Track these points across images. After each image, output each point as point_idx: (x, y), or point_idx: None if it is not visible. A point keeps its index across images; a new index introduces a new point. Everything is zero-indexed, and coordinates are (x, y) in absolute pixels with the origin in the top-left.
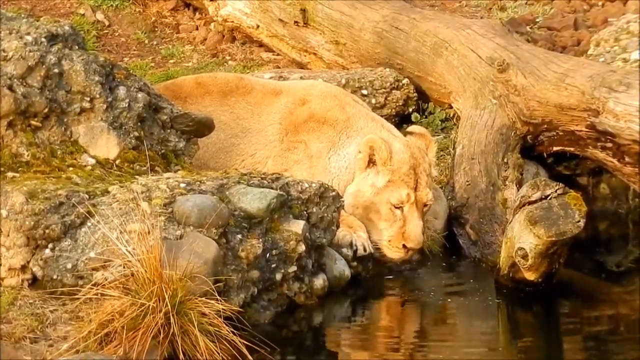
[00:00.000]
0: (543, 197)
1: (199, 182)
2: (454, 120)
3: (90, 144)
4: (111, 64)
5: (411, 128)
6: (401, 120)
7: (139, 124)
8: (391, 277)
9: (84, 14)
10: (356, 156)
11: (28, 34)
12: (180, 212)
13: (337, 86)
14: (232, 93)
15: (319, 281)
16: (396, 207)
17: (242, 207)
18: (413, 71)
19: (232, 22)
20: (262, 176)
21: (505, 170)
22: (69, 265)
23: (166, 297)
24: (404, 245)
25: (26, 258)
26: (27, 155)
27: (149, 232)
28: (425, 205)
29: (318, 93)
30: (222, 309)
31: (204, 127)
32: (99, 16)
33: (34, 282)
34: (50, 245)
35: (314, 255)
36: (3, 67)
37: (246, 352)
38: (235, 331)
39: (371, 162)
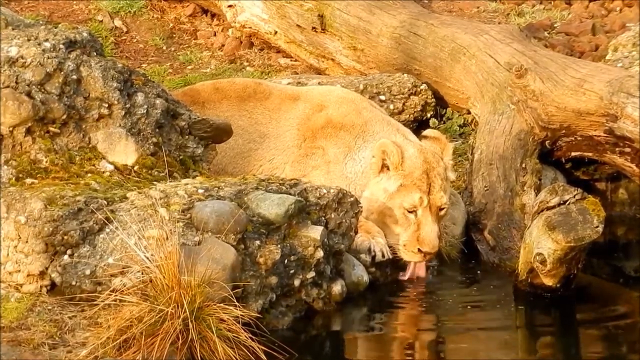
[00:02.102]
0: (561, 202)
1: (217, 188)
2: (472, 125)
3: (109, 150)
4: (129, 70)
5: (426, 132)
6: (419, 126)
7: (157, 130)
8: (409, 283)
9: (102, 21)
10: (370, 161)
11: (46, 40)
12: (198, 218)
13: (354, 91)
14: (250, 98)
15: (337, 287)
16: (409, 212)
17: (261, 213)
18: (431, 77)
19: (250, 28)
20: (281, 182)
21: (524, 176)
22: (88, 272)
23: (184, 303)
24: (419, 250)
25: (45, 264)
26: (46, 162)
27: (167, 238)
28: (440, 209)
29: (335, 98)
30: (241, 314)
31: (222, 132)
32: (117, 22)
33: (53, 288)
34: (68, 252)
35: (332, 261)
36: (21, 73)
37: (264, 358)
38: (253, 337)
39: (384, 167)
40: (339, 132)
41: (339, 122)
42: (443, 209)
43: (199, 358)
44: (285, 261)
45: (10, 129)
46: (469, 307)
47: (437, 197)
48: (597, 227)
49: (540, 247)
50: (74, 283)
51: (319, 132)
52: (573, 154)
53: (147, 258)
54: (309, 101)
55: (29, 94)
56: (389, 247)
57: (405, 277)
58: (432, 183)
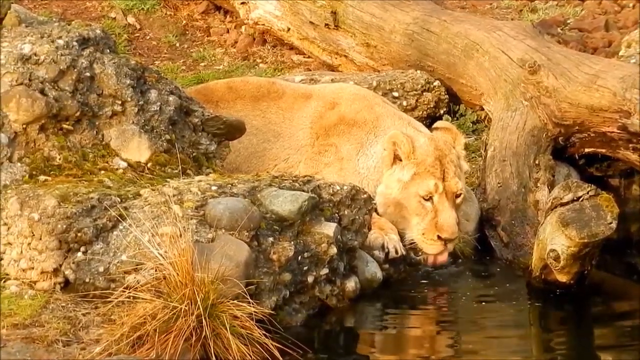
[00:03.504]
0: (575, 198)
1: (230, 185)
2: (485, 122)
3: (122, 147)
4: (142, 67)
5: (437, 124)
6: (432, 122)
7: (170, 127)
8: (423, 279)
9: (115, 18)
10: (382, 154)
11: (60, 37)
12: (211, 215)
13: (366, 88)
14: (264, 98)
15: (351, 284)
16: (425, 200)
17: (274, 210)
18: (444, 73)
19: (263, 25)
20: (294, 179)
21: (537, 172)
22: (101, 269)
23: (198, 300)
24: (439, 237)
25: (58, 261)
26: (59, 159)
27: (180, 235)
28: (456, 195)
29: (347, 95)
30: (254, 311)
31: (235, 130)
32: (130, 20)
33: (66, 285)
34: (82, 249)
35: (345, 258)
36: (35, 70)
37: (278, 355)
38: (267, 334)
39: (396, 158)
40: (352, 128)
41: (352, 118)
42: (459, 195)
43: (213, 355)
44: (299, 258)
45: (24, 126)
46: (483, 303)
47: (452, 183)
48: (611, 223)
49: (554, 243)
50: (87, 280)
51: (331, 130)
52: (586, 150)
53: (161, 255)
54: (322, 99)
55: (42, 91)
56: (409, 242)
57: (429, 263)
58: (445, 169)
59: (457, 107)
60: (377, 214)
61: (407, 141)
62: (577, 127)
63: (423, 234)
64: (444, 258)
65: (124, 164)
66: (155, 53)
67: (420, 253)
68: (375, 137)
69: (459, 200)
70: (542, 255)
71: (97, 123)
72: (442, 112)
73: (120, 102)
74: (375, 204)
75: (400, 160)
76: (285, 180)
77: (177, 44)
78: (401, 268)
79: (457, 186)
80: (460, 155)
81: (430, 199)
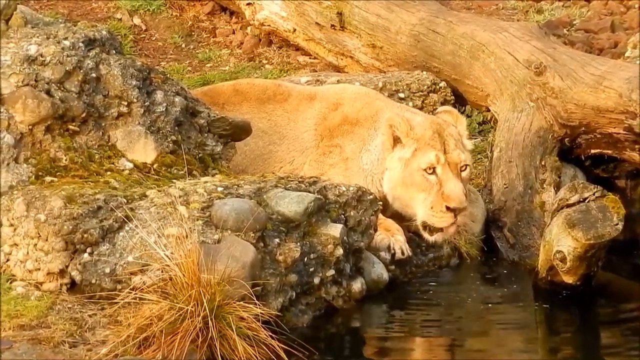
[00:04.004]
0: (581, 200)
1: (236, 186)
2: (491, 123)
3: (128, 148)
4: (148, 68)
5: (439, 108)
6: None
7: (176, 128)
8: (429, 280)
9: (121, 19)
10: (381, 140)
11: (65, 38)
12: (217, 216)
13: (367, 88)
14: (270, 100)
15: (357, 285)
16: (429, 173)
17: (280, 211)
18: (450, 74)
19: (269, 25)
20: (300, 180)
21: (543, 173)
22: (107, 270)
23: (204, 301)
24: (447, 208)
25: (64, 262)
26: (65, 160)
27: (186, 236)
28: (461, 168)
29: (350, 95)
30: (260, 312)
31: (241, 130)
32: (136, 20)
33: (73, 286)
34: (88, 250)
35: (351, 259)
36: (41, 71)
37: (284, 356)
38: (273, 335)
39: (396, 141)
40: (355, 127)
41: (354, 118)
42: (464, 167)
43: (219, 356)
44: (305, 259)
45: (30, 127)
46: (489, 305)
47: (454, 155)
48: (617, 224)
49: (560, 244)
50: (93, 281)
51: (335, 131)
52: (592, 151)
53: (167, 256)
54: (325, 100)
55: (48, 92)
56: (421, 223)
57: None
58: (446, 142)
59: (463, 108)
60: (384, 212)
61: (402, 121)
62: (583, 128)
63: (431, 207)
64: (454, 230)
65: (130, 165)
66: (161, 54)
67: (434, 233)
68: (375, 131)
69: (464, 173)
70: (548, 256)
71: (103, 124)
72: None
73: (126, 103)
74: (380, 204)
75: (400, 141)
76: (291, 181)
77: (183, 45)
78: (407, 269)
79: (460, 157)
80: (462, 133)
81: (433, 172)
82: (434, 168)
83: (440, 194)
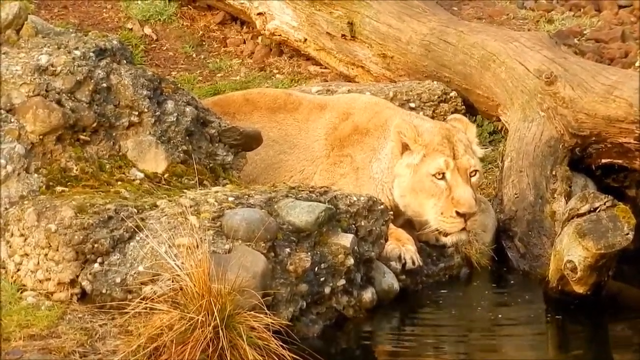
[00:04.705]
0: (592, 209)
1: (247, 196)
2: (502, 132)
3: (139, 158)
4: (159, 78)
5: (449, 117)
6: None
7: (187, 137)
8: (440, 290)
9: (131, 29)
10: (390, 147)
11: (76, 48)
12: (228, 225)
13: (378, 97)
14: (281, 109)
15: (368, 294)
16: (438, 179)
17: (291, 221)
18: (461, 84)
19: (280, 35)
20: (310, 189)
21: (554, 183)
22: (118, 280)
23: (215, 311)
24: (457, 213)
25: (75, 272)
26: (76, 170)
27: (197, 246)
28: (471, 174)
29: (360, 105)
30: (271, 322)
31: (252, 140)
32: (147, 30)
33: (83, 296)
34: (99, 260)
35: (362, 269)
36: (52, 81)
37: None
38: (284, 345)
39: (405, 148)
40: (365, 137)
41: (364, 127)
42: (474, 173)
43: None
44: (316, 269)
45: (41, 137)
46: (500, 316)
47: (463, 160)
48: (628, 234)
49: (571, 254)
50: (104, 291)
51: (346, 140)
52: (603, 161)
53: (178, 266)
54: (335, 110)
55: (59, 102)
56: (432, 230)
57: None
58: (455, 147)
59: (474, 117)
60: (395, 222)
61: (410, 127)
62: (593, 138)
63: (442, 213)
64: (465, 236)
65: (141, 175)
66: (172, 64)
67: (442, 239)
68: (385, 140)
69: (474, 179)
70: (559, 266)
71: (113, 134)
72: None
73: (137, 113)
74: (391, 214)
75: (409, 148)
76: (302, 191)
77: (194, 55)
78: (418, 279)
79: (470, 162)
80: (472, 140)
81: (443, 177)
82: (443, 173)
83: (450, 200)
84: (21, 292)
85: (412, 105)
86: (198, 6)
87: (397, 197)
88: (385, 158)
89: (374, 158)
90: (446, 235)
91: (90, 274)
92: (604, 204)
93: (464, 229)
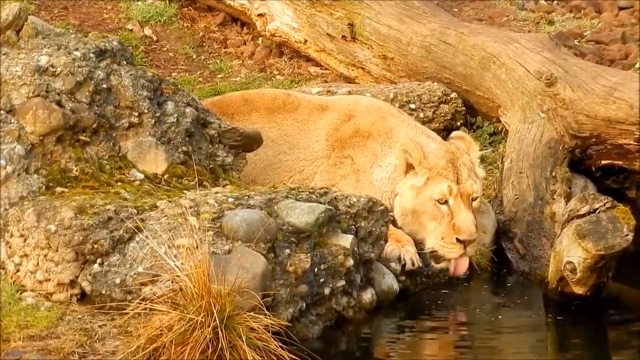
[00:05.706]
0: (591, 210)
1: (247, 197)
2: (502, 134)
3: (139, 159)
4: (159, 79)
5: (452, 134)
6: (449, 135)
7: (187, 138)
8: (440, 291)
9: (132, 30)
10: (394, 164)
11: (76, 49)
12: (228, 226)
13: (381, 100)
14: (280, 110)
15: (368, 295)
16: (441, 203)
17: (290, 222)
18: (461, 85)
19: (280, 36)
20: (310, 190)
21: (554, 184)
22: (118, 280)
23: (214, 311)
24: (457, 240)
25: (75, 273)
26: (76, 171)
27: (197, 247)
28: (473, 199)
29: (362, 107)
30: (271, 323)
31: (252, 141)
32: (147, 31)
33: (83, 297)
34: (98, 260)
35: (362, 270)
36: (52, 82)
37: None
38: (283, 346)
39: (409, 167)
40: (367, 141)
41: (367, 130)
42: (475, 198)
43: None
44: (316, 270)
45: (41, 137)
46: (500, 317)
47: (466, 185)
48: (627, 235)
49: (571, 255)
50: (104, 292)
51: (347, 142)
52: (603, 162)
53: (177, 267)
54: (337, 111)
55: (59, 103)
56: (430, 251)
57: (450, 272)
58: (459, 172)
59: (474, 119)
60: (395, 226)
61: (417, 148)
62: (593, 139)
63: (442, 238)
64: (464, 266)
65: (141, 176)
66: (172, 65)
67: (440, 261)
68: (389, 149)
69: (475, 203)
70: (558, 267)
71: (113, 135)
72: (459, 124)
73: (137, 114)
74: (392, 215)
75: (413, 168)
76: (302, 192)
77: (194, 56)
78: (418, 280)
79: (472, 188)
80: (474, 161)
81: (445, 202)
82: (446, 199)
83: (451, 225)
84: (21, 293)
85: (413, 106)
86: (198, 7)
87: (397, 215)
88: (387, 167)
89: (375, 164)
90: (442, 260)
91: (89, 274)
92: (604, 205)
93: (463, 254)
